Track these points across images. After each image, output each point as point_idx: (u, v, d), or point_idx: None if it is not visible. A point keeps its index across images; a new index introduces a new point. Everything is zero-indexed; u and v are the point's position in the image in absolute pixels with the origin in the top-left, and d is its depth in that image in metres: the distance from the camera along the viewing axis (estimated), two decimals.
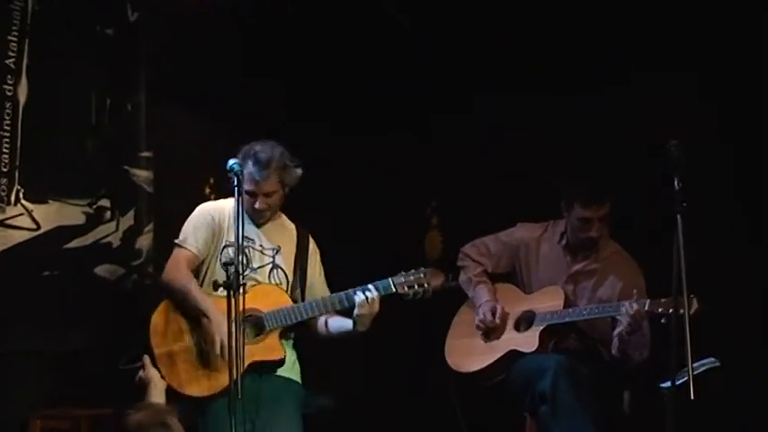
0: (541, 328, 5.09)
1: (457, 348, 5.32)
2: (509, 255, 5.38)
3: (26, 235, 5.38)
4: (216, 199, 5.12)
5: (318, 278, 4.95)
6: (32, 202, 5.38)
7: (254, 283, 4.73)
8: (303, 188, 4.83)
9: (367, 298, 4.63)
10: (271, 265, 4.85)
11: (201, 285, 4.77)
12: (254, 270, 4.76)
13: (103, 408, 5.03)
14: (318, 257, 4.96)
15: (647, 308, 4.82)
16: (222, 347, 4.47)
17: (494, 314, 5.15)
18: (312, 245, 4.95)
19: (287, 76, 6.09)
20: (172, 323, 4.69)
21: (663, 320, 4.69)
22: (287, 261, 4.87)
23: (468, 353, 5.25)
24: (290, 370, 4.82)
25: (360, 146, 6.23)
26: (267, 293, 4.75)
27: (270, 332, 4.69)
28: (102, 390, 5.12)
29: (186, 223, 4.85)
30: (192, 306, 4.65)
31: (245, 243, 4.67)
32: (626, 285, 5.10)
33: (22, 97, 5.34)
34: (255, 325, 4.67)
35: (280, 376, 4.74)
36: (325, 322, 4.87)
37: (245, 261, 4.48)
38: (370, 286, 4.67)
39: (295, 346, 4.86)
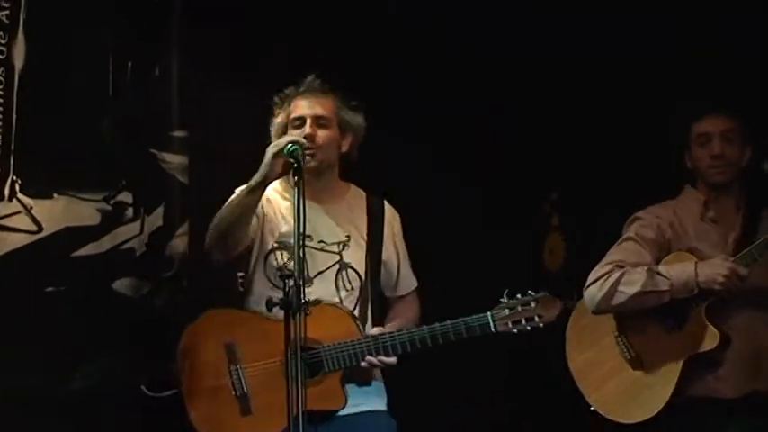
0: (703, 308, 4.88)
1: (594, 374, 5.10)
2: (658, 253, 5.12)
3: (24, 239, 5.31)
4: None
5: (403, 263, 4.84)
6: (32, 196, 5.34)
7: (316, 300, 4.53)
8: (386, 180, 4.89)
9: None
10: (338, 266, 4.71)
11: (248, 305, 4.72)
12: (309, 281, 4.59)
13: None
14: (399, 232, 4.87)
15: None
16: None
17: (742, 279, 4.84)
18: (389, 216, 4.86)
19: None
20: (208, 349, 4.61)
21: None
22: (359, 254, 4.77)
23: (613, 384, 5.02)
24: (375, 396, 4.72)
25: (455, 123, 6.14)
26: (329, 318, 4.60)
27: (328, 374, 4.57)
28: None
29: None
30: (248, 195, 4.56)
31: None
32: None
33: (19, 60, 5.31)
34: (311, 362, 4.54)
35: (364, 413, 4.65)
36: None
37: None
38: (455, 328, 4.56)
39: None
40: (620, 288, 4.94)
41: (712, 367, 4.88)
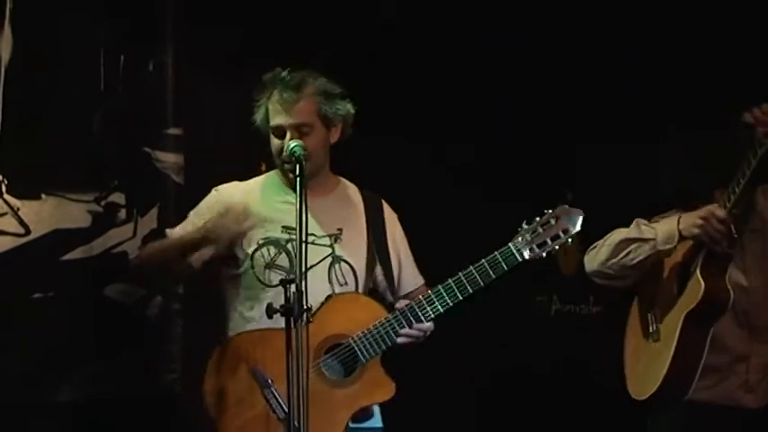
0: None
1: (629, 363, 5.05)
2: None
3: (10, 242, 5.32)
4: None
5: (405, 260, 4.73)
6: (19, 197, 5.34)
7: (328, 295, 4.47)
8: (400, 181, 4.92)
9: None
10: (330, 260, 4.57)
11: (235, 306, 4.57)
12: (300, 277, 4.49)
13: None
14: (399, 228, 4.76)
15: None
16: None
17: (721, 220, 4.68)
18: (387, 212, 4.76)
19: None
20: (235, 381, 4.41)
21: None
22: (354, 245, 4.63)
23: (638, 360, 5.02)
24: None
25: (460, 123, 6.15)
26: (349, 308, 4.48)
27: (367, 365, 4.42)
28: None
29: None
30: (176, 255, 4.45)
31: (285, 236, 4.51)
32: None
33: (5, 54, 5.31)
34: (344, 360, 4.41)
35: (357, 428, 4.53)
36: None
37: (287, 264, 4.37)
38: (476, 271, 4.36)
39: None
40: (607, 241, 4.92)
41: (712, 325, 4.70)
